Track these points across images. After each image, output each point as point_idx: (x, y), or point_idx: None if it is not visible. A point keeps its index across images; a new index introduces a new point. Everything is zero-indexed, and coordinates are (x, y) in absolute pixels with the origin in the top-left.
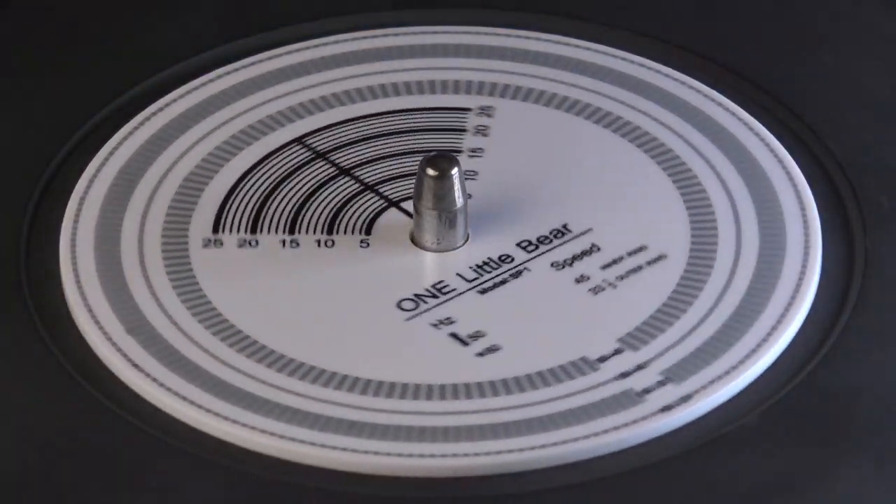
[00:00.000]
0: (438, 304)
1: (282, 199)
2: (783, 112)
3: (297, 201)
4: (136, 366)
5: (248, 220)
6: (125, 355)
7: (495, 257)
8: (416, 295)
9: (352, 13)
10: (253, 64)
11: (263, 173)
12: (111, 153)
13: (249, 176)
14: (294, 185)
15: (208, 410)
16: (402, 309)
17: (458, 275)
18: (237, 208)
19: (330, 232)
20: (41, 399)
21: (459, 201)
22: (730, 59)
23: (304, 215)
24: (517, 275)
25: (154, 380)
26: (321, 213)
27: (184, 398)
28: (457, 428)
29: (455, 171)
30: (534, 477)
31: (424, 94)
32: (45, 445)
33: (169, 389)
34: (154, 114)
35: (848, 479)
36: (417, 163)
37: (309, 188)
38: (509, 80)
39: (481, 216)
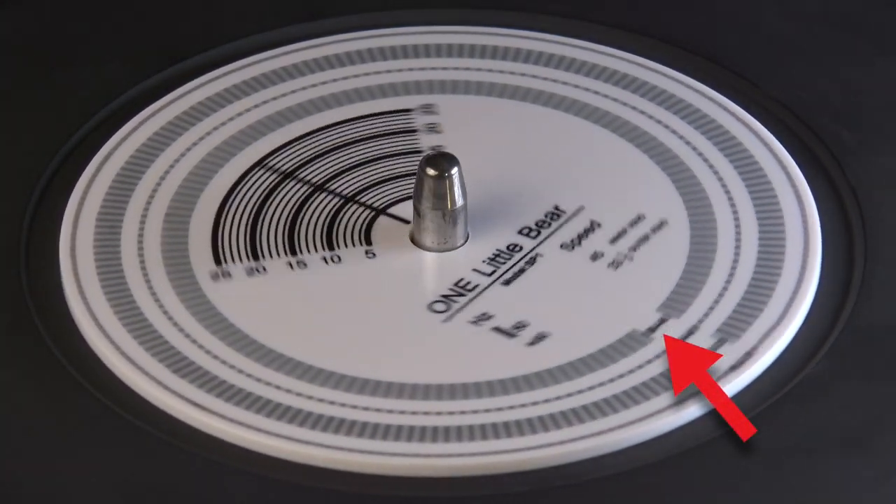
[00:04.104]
0: (469, 302)
1: (269, 223)
2: (783, 112)
3: (286, 223)
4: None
5: (245, 248)
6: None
7: (504, 248)
8: (443, 296)
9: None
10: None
11: (240, 200)
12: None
13: (228, 203)
14: (274, 208)
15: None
16: (435, 311)
17: (474, 270)
18: (229, 237)
19: (331, 248)
20: (41, 399)
21: (460, 200)
22: (729, 59)
23: (298, 236)
24: (532, 262)
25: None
26: (314, 231)
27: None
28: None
29: (455, 169)
30: (536, 476)
31: (367, 100)
32: (45, 445)
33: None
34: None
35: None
36: (386, 169)
37: (291, 208)
38: (456, 75)
39: (470, 211)
